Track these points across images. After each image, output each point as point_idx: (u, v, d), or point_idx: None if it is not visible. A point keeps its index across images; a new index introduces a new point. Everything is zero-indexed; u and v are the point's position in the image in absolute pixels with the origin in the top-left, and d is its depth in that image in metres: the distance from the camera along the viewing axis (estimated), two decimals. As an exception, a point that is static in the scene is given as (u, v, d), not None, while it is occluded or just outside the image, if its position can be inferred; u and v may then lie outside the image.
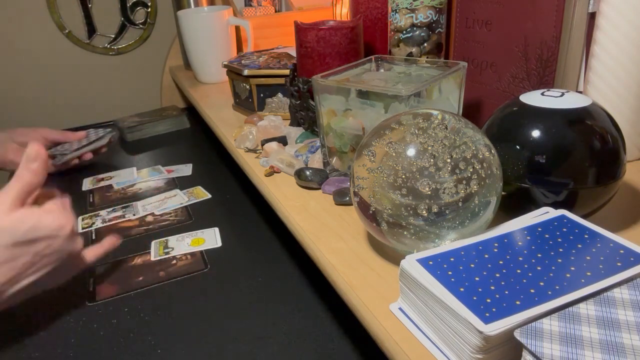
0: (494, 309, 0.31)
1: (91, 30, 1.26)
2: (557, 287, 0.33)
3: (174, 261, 0.68)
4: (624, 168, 0.44)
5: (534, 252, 0.37)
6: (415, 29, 0.67)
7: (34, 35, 1.22)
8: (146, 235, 0.75)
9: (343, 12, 0.97)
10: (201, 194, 0.87)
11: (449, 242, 0.40)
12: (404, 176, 0.39)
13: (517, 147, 0.44)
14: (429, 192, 0.38)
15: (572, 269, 0.35)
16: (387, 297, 0.41)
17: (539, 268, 0.35)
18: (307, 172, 0.61)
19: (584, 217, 0.42)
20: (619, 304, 0.31)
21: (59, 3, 1.21)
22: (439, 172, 0.38)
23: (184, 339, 0.55)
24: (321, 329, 0.55)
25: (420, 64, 0.62)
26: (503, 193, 0.43)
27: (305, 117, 0.74)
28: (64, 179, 0.97)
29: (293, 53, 0.91)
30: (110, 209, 0.84)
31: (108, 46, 1.29)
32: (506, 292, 0.33)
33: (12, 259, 0.49)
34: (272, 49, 1.03)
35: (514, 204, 0.46)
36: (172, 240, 0.73)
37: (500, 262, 0.36)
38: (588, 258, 0.36)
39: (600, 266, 0.35)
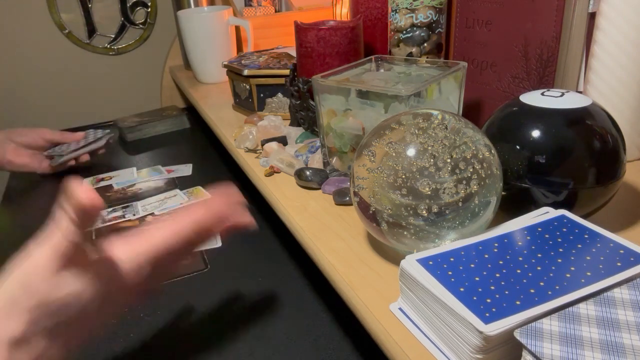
0: (494, 309, 0.31)
1: (91, 30, 1.26)
2: (557, 287, 0.33)
3: (174, 261, 0.68)
4: (624, 168, 0.44)
5: (534, 252, 0.37)
6: (415, 29, 0.67)
7: (34, 35, 1.22)
8: (146, 235, 0.75)
9: (343, 12, 0.97)
10: (201, 194, 0.87)
11: (449, 242, 0.40)
12: (404, 176, 0.39)
13: (517, 147, 0.44)
14: (429, 192, 0.38)
15: (572, 269, 0.35)
16: (387, 297, 0.41)
17: (539, 268, 0.35)
18: (307, 172, 0.61)
19: (584, 217, 0.42)
20: (619, 304, 0.31)
21: (59, 3, 1.21)
22: (439, 172, 0.38)
23: (183, 339, 0.55)
24: (321, 329, 0.55)
25: (420, 64, 0.62)
26: (503, 193, 0.43)
27: (305, 117, 0.74)
28: (63, 179, 0.97)
29: (293, 53, 0.91)
30: (110, 209, 0.84)
31: (108, 46, 1.29)
32: (506, 292, 0.33)
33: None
34: (272, 49, 1.03)
35: (514, 204, 0.46)
36: (172, 240, 0.73)
37: (500, 262, 0.36)
38: (588, 258, 0.36)
39: (600, 266, 0.34)
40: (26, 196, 0.92)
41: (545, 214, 0.42)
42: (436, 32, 0.68)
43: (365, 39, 0.75)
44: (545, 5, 0.56)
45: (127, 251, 0.40)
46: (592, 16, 0.55)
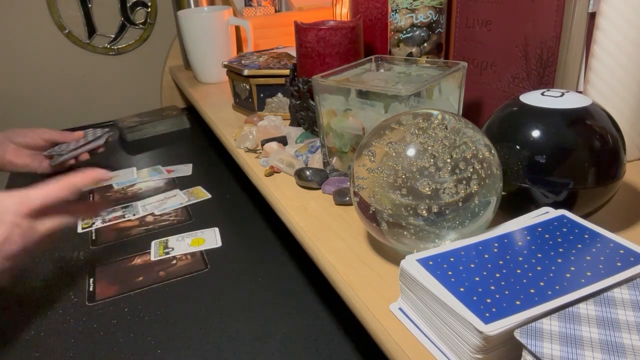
0: (494, 309, 0.31)
1: (91, 30, 1.26)
2: (557, 287, 0.33)
3: (174, 261, 0.68)
4: (624, 168, 0.44)
5: (534, 252, 0.37)
6: (415, 29, 0.67)
7: (34, 35, 1.22)
8: (146, 235, 0.75)
9: (343, 12, 0.97)
10: (201, 194, 0.87)
11: (449, 242, 0.40)
12: (404, 176, 0.39)
13: (517, 147, 0.44)
14: (429, 192, 0.38)
15: (572, 269, 0.35)
16: (387, 297, 0.41)
17: (539, 268, 0.35)
18: (307, 172, 0.61)
19: (584, 217, 0.42)
20: (619, 304, 0.31)
21: (59, 3, 1.21)
22: (439, 172, 0.38)
23: (184, 338, 0.55)
24: (321, 329, 0.55)
25: (420, 64, 0.62)
26: (503, 193, 0.43)
27: (305, 117, 0.74)
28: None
29: (293, 53, 0.91)
30: (110, 209, 0.84)
31: (108, 46, 1.29)
32: (506, 292, 0.33)
33: None
34: (272, 49, 1.03)
35: (514, 204, 0.46)
36: (172, 240, 0.73)
37: (500, 262, 0.36)
38: (588, 258, 0.36)
39: (600, 266, 0.34)
40: (26, 196, 0.92)
41: (545, 214, 0.42)
42: (436, 32, 0.68)
43: (365, 39, 0.75)
44: (545, 5, 0.56)
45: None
46: (592, 16, 0.55)
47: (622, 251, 0.36)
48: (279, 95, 0.86)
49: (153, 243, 0.72)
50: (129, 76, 1.34)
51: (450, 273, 0.35)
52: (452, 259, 0.37)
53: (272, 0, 1.29)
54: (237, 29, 1.19)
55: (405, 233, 0.40)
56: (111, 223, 0.79)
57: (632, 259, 0.35)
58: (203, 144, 1.13)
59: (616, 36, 0.53)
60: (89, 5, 1.24)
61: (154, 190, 0.89)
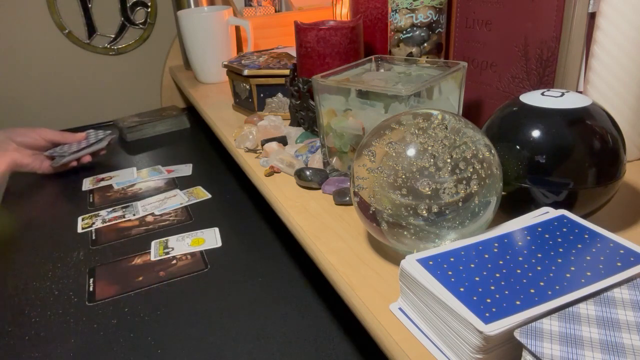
0: (494, 309, 0.31)
1: (91, 30, 1.26)
2: (557, 287, 0.33)
3: (174, 261, 0.68)
4: (624, 168, 0.44)
5: (534, 252, 0.37)
6: (415, 29, 0.67)
7: (34, 36, 1.22)
8: (146, 235, 0.75)
9: (343, 12, 0.97)
10: (201, 194, 0.87)
11: (449, 242, 0.40)
12: (404, 176, 0.39)
13: (517, 147, 0.44)
14: (429, 192, 0.38)
15: (572, 269, 0.35)
16: (387, 297, 0.41)
17: (539, 268, 0.35)
18: (307, 172, 0.61)
19: (584, 217, 0.42)
20: (619, 304, 0.31)
21: (59, 3, 1.21)
22: (439, 172, 0.38)
23: (184, 339, 0.55)
24: (321, 329, 0.55)
25: (420, 64, 0.62)
26: (503, 193, 0.43)
27: (305, 117, 0.74)
28: (63, 179, 0.97)
29: (293, 53, 0.91)
30: (110, 209, 0.84)
31: (108, 46, 1.29)
32: (506, 292, 0.33)
33: None
34: (272, 49, 1.03)
35: (514, 204, 0.46)
36: (172, 240, 0.73)
37: (500, 262, 0.36)
38: (588, 258, 0.36)
39: (600, 266, 0.34)
40: (26, 196, 0.92)
41: (545, 214, 0.42)
42: (436, 32, 0.68)
43: (365, 39, 0.75)
44: (545, 5, 0.56)
45: None
46: (592, 16, 0.55)
47: (622, 251, 0.36)
48: (279, 95, 0.86)
49: (153, 243, 0.72)
50: (129, 76, 1.34)
51: (450, 273, 0.35)
52: (452, 259, 0.37)
53: (272, 0, 1.29)
54: (237, 29, 1.19)
55: (405, 233, 0.40)
56: (111, 223, 0.79)
57: (632, 259, 0.35)
58: (203, 144, 1.13)
59: (616, 36, 0.53)
60: (89, 5, 1.24)
61: (154, 190, 0.89)
